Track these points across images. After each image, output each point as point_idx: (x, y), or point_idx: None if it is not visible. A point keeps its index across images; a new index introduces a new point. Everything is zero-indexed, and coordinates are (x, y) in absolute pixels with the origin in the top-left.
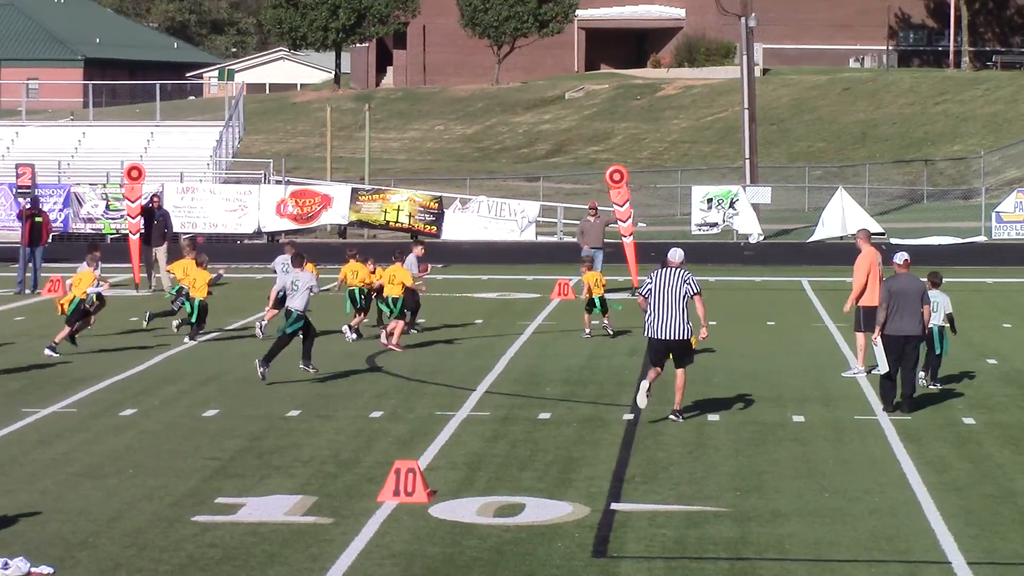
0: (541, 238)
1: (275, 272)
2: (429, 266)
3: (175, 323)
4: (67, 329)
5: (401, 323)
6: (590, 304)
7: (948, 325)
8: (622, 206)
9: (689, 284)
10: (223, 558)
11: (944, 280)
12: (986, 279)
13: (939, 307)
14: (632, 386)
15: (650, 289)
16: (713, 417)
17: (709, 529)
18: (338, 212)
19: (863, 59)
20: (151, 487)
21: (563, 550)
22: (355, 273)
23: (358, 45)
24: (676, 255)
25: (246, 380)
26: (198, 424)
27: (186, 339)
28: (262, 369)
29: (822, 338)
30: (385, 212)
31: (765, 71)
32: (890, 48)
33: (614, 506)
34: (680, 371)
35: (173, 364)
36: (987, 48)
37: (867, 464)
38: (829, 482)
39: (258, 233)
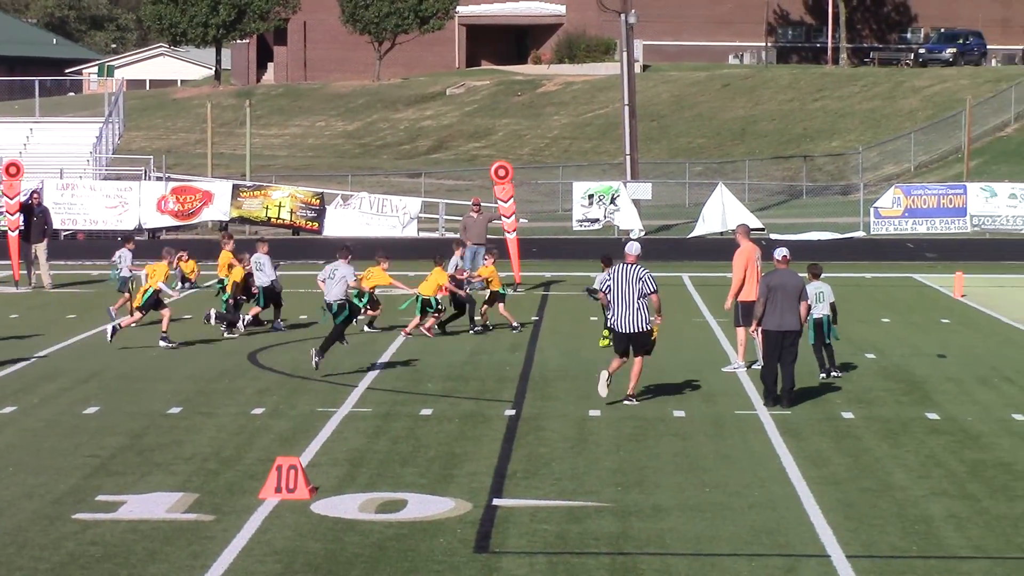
0: (423, 234)
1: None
2: (466, 272)
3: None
4: (138, 315)
5: (432, 320)
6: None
7: (831, 314)
8: (506, 202)
9: (644, 283)
10: (104, 556)
11: (824, 275)
12: (865, 274)
13: (824, 297)
14: (513, 381)
15: (609, 286)
16: (594, 412)
17: (590, 524)
18: (219, 208)
19: (742, 56)
20: (31, 485)
21: (445, 546)
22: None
23: (238, 41)
24: (633, 248)
25: (127, 377)
26: (78, 422)
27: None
28: (316, 359)
29: (703, 333)
30: (267, 208)
31: (645, 67)
32: (769, 45)
33: (496, 502)
34: (638, 359)
35: (53, 361)
36: (865, 45)
37: (747, 459)
38: (709, 477)
39: (139, 230)
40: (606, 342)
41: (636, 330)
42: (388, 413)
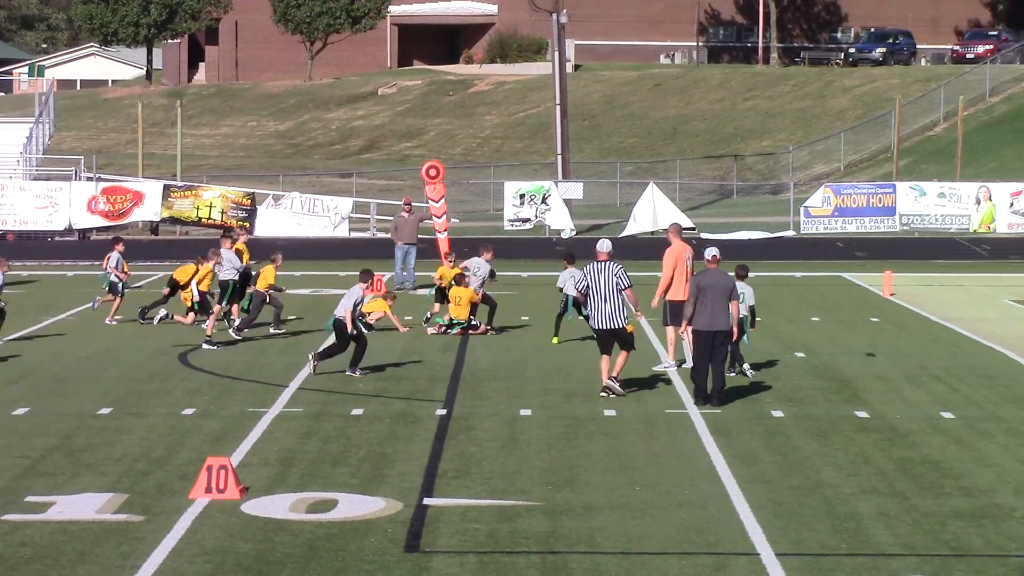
0: (354, 234)
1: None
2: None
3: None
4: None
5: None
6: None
7: (749, 316)
8: (437, 202)
9: (620, 278)
10: (33, 557)
11: (753, 274)
12: (794, 273)
13: (744, 298)
14: (444, 381)
15: (587, 284)
16: (525, 412)
17: (521, 523)
18: (150, 209)
19: (673, 55)
20: None
21: (376, 545)
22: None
23: (170, 41)
24: (604, 246)
25: (56, 378)
26: (7, 423)
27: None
28: (351, 371)
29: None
30: (197, 209)
31: (577, 67)
32: (700, 44)
33: (427, 501)
34: (623, 353)
35: None
36: (795, 44)
37: (677, 457)
38: (640, 475)
39: (69, 230)
40: (557, 340)
41: (618, 326)
42: (319, 413)
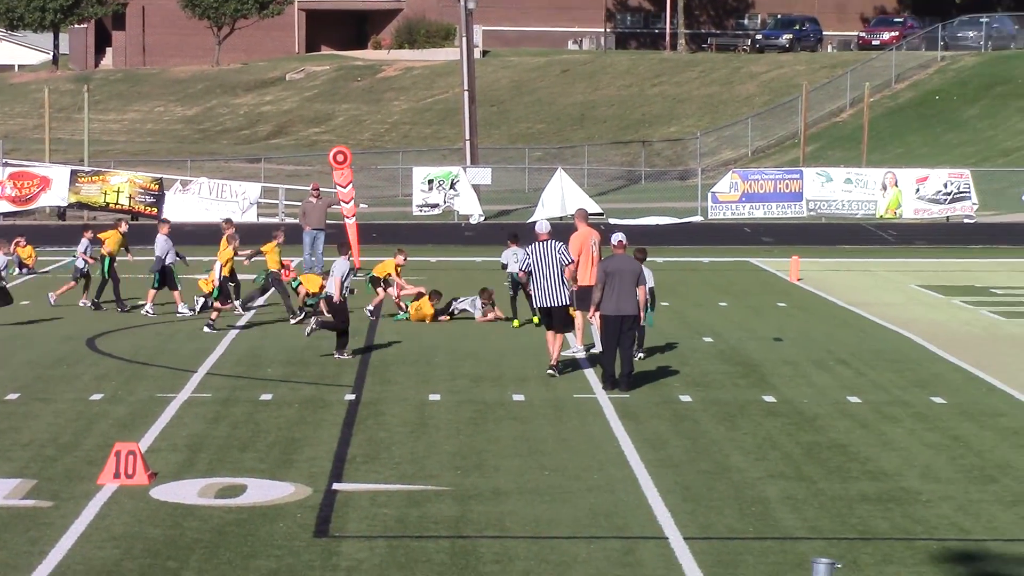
0: (263, 219)
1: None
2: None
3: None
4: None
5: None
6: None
7: (649, 298)
8: (345, 187)
9: (563, 255)
10: None
11: (661, 259)
12: (702, 258)
13: (643, 281)
14: (353, 366)
15: (530, 263)
16: (434, 396)
17: (430, 508)
18: (57, 194)
19: (581, 41)
20: None
21: (285, 530)
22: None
23: (76, 26)
24: (544, 227)
25: None
26: None
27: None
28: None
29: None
30: (105, 194)
31: (485, 53)
32: (608, 31)
33: (336, 486)
34: (560, 335)
35: None
36: (702, 31)
37: (586, 442)
38: (549, 460)
39: None
40: (517, 323)
41: (560, 303)
42: (228, 398)
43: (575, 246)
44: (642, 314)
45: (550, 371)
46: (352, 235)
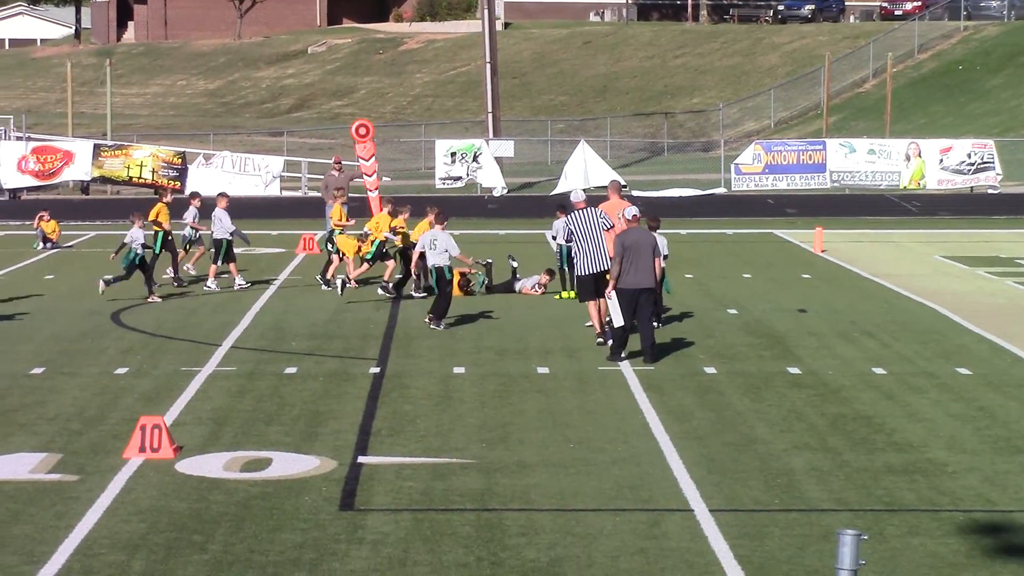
0: (286, 193)
1: None
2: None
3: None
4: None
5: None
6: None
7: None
8: (367, 160)
9: (604, 219)
10: None
11: (685, 231)
12: (726, 230)
13: (657, 250)
14: (377, 339)
15: (571, 231)
16: (459, 369)
17: (455, 481)
18: (80, 168)
19: (603, 13)
20: None
21: (310, 504)
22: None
23: (98, 0)
24: (579, 195)
25: None
26: None
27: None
28: (434, 326)
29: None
30: (128, 168)
31: (507, 25)
32: (629, 2)
33: (361, 459)
34: (604, 301)
35: None
36: (724, 2)
37: (611, 414)
38: (574, 433)
39: None
40: (570, 294)
41: (603, 268)
42: (252, 372)
43: (612, 214)
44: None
45: (600, 340)
46: (375, 208)
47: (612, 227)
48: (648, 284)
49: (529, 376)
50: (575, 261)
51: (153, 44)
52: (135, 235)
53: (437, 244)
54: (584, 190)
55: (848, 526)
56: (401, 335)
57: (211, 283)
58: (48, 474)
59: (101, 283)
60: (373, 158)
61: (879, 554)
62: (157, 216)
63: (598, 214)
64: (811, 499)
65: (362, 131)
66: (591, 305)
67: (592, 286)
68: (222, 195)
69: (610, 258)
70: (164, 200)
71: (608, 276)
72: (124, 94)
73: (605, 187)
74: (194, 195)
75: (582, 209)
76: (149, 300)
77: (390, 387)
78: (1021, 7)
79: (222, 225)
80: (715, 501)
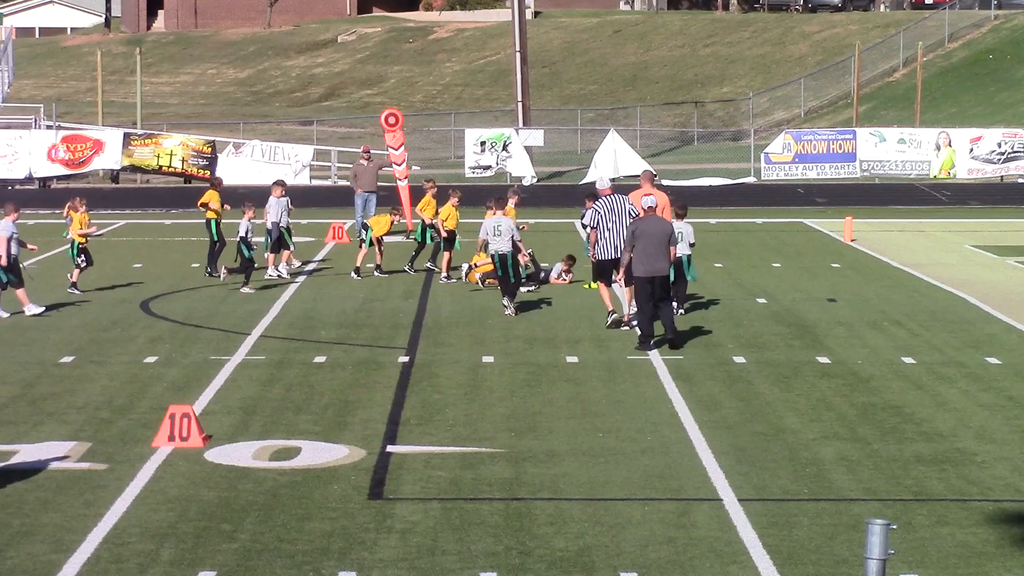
0: (315, 182)
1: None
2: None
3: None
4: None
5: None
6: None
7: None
8: (397, 149)
9: (631, 206)
10: None
11: (714, 220)
12: (756, 219)
13: (683, 237)
14: (406, 328)
15: (598, 217)
16: (487, 358)
17: (484, 470)
18: (111, 157)
19: (633, 2)
20: None
21: (339, 493)
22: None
23: None
24: (605, 183)
25: (16, 327)
26: None
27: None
28: (510, 311)
29: None
30: (158, 157)
31: (537, 14)
32: None
33: (390, 448)
34: (627, 288)
35: None
36: None
37: (640, 404)
38: (602, 422)
39: (29, 179)
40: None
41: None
42: (281, 361)
43: (637, 202)
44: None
45: (624, 326)
46: (404, 197)
47: (639, 215)
48: (660, 272)
49: (558, 365)
50: (597, 245)
51: (183, 33)
52: (244, 225)
53: (501, 229)
54: (613, 179)
55: (877, 515)
56: (430, 324)
57: (272, 271)
58: (78, 463)
59: (224, 271)
60: (402, 147)
61: (908, 543)
62: (209, 202)
63: (625, 202)
64: (840, 488)
65: (391, 120)
66: (604, 287)
67: (609, 270)
68: (279, 183)
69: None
70: (218, 188)
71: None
72: (154, 83)
73: (635, 176)
74: (248, 205)
75: (608, 195)
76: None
77: (419, 376)
78: None
79: (273, 213)
80: (744, 490)
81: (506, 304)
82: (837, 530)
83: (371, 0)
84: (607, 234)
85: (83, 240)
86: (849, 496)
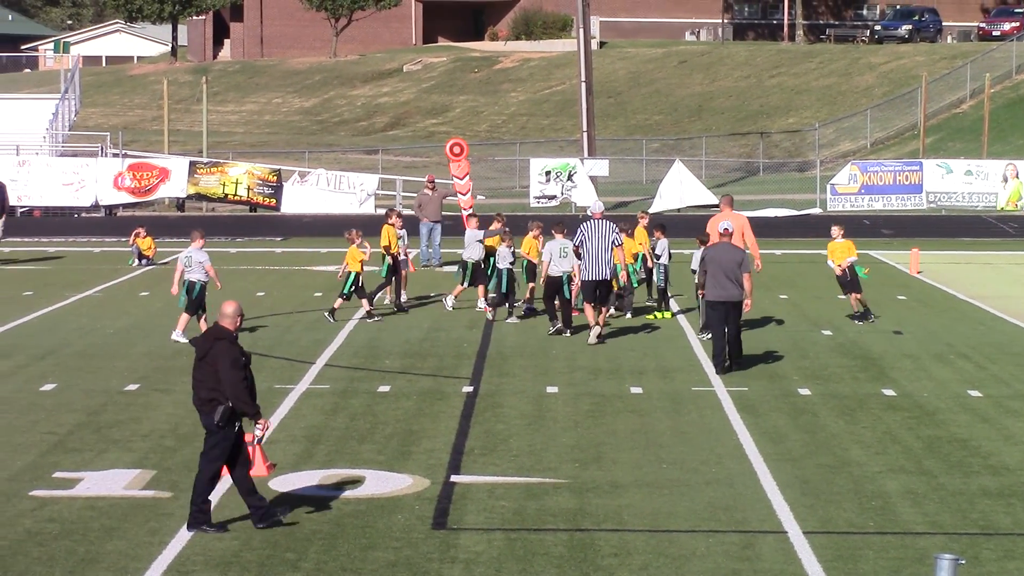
0: (380, 211)
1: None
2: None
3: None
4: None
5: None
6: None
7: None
8: (462, 179)
9: (616, 235)
10: (61, 533)
11: (780, 252)
12: (821, 251)
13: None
14: (471, 359)
15: (582, 240)
16: (552, 389)
17: (548, 501)
18: (176, 185)
19: (699, 32)
20: None
21: (403, 522)
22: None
23: (195, 17)
24: (598, 207)
25: (84, 354)
26: (35, 399)
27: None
28: (562, 331)
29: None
30: (223, 185)
31: (602, 44)
32: (725, 21)
33: (454, 478)
34: (604, 308)
35: (8, 338)
36: (821, 21)
37: (704, 435)
38: (667, 453)
39: (95, 207)
40: (668, 314)
41: (605, 277)
42: (346, 390)
43: (712, 227)
44: (747, 301)
45: (597, 339)
46: (468, 225)
47: (622, 244)
48: (732, 297)
49: (622, 396)
50: (582, 266)
51: (249, 62)
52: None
53: (568, 251)
54: (679, 210)
55: (943, 549)
56: (494, 354)
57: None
58: (142, 490)
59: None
60: (467, 177)
61: None
62: (389, 242)
63: (611, 228)
64: (906, 522)
65: (456, 150)
66: (588, 307)
67: (592, 290)
68: (473, 215)
69: (611, 269)
70: (390, 222)
71: (626, 284)
72: (220, 111)
73: (701, 206)
74: (392, 211)
75: (597, 219)
76: (374, 319)
77: (483, 406)
78: None
79: (470, 247)
80: (809, 523)
81: (563, 329)
82: (903, 564)
83: (437, 30)
84: (591, 256)
85: (360, 269)
86: (915, 530)
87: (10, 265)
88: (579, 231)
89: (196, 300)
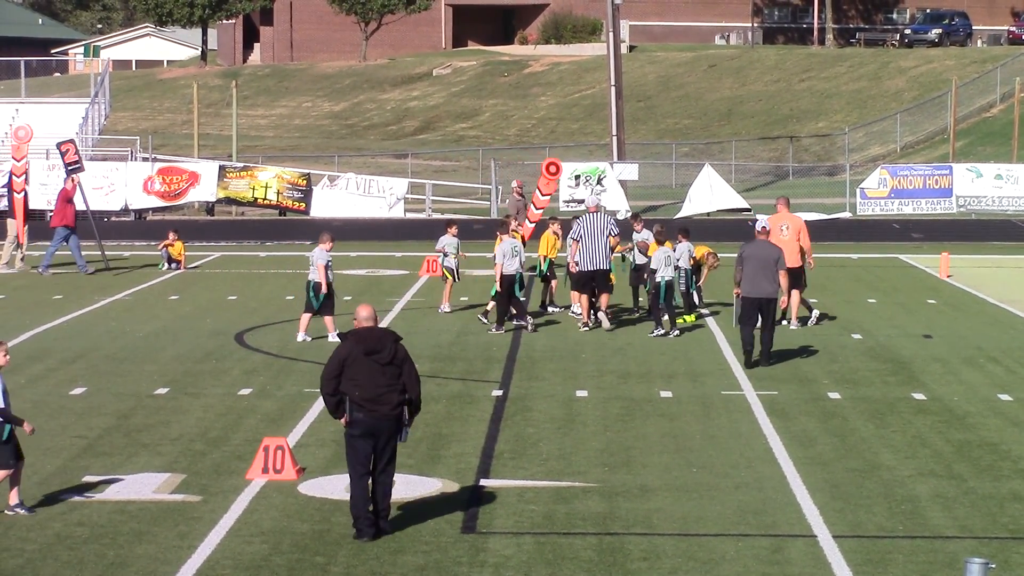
0: (410, 215)
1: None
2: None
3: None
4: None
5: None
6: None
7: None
8: (544, 195)
9: (612, 226)
10: (91, 536)
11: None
12: (851, 255)
13: (671, 261)
14: (500, 362)
15: (580, 233)
16: (581, 393)
17: (578, 504)
18: (206, 189)
19: (728, 36)
20: None
21: (432, 526)
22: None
23: (224, 21)
24: (593, 200)
25: (113, 358)
26: (65, 402)
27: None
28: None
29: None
30: (253, 189)
31: (632, 48)
32: (755, 25)
33: (483, 482)
34: (604, 295)
35: (39, 342)
36: (851, 25)
37: (734, 439)
38: (696, 457)
39: (125, 211)
40: (692, 318)
41: (603, 267)
42: None
43: (773, 225)
44: (784, 298)
45: (585, 326)
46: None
47: (618, 234)
48: (769, 294)
49: (652, 400)
50: (578, 257)
51: (279, 66)
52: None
53: (519, 250)
54: (708, 214)
55: (973, 554)
56: (524, 358)
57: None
58: (172, 494)
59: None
60: (548, 197)
61: None
62: (548, 249)
63: (607, 220)
64: (936, 526)
65: (552, 169)
66: (583, 297)
67: (586, 281)
68: (452, 223)
69: (608, 260)
70: (553, 230)
71: (643, 275)
72: (249, 115)
73: (729, 210)
74: (450, 223)
75: (592, 213)
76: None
77: (513, 410)
78: None
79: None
80: (838, 527)
81: (524, 325)
82: (932, 568)
83: (466, 34)
84: (587, 248)
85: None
86: (945, 534)
87: (117, 270)
88: (576, 224)
89: (325, 300)
